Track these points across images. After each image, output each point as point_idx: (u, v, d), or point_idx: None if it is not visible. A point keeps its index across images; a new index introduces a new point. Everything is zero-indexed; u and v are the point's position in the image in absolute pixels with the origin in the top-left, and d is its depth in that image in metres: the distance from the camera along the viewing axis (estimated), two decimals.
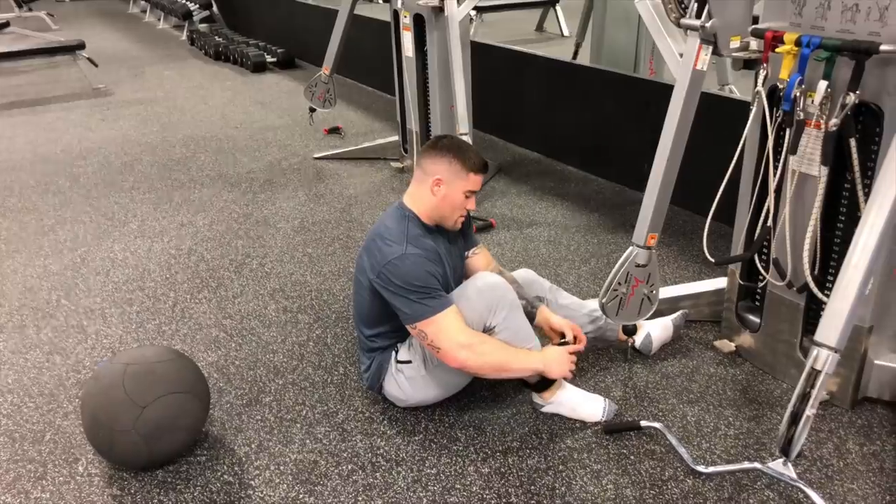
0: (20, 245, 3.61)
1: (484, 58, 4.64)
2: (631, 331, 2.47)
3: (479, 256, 2.43)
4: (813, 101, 1.96)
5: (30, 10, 10.71)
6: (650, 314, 2.40)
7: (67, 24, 11.03)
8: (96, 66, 6.97)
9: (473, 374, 2.13)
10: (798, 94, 1.97)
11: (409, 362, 2.18)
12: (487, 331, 2.09)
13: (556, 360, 2.13)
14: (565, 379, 2.21)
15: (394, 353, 2.22)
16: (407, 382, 2.20)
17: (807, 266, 2.07)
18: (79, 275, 3.29)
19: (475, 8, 3.79)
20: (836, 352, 1.73)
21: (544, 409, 2.24)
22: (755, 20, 2.16)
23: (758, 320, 2.44)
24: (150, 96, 6.63)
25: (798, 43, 1.93)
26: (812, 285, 2.09)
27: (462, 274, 2.36)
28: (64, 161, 4.88)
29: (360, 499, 1.96)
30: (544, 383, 2.20)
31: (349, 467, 2.07)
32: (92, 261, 3.42)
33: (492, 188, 4.16)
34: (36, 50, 7.21)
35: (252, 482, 2.03)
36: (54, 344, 2.74)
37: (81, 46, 6.91)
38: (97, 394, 2.00)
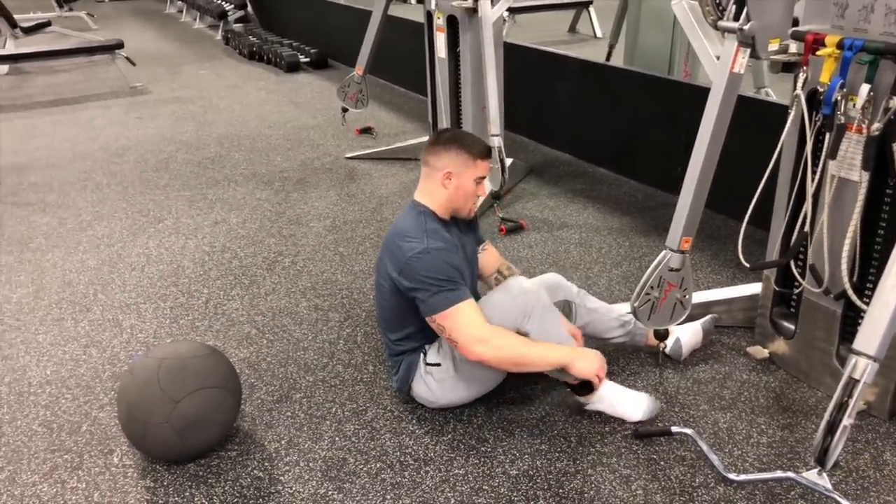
0: (59, 240, 3.69)
1: (516, 59, 4.63)
2: (662, 335, 2.45)
3: (487, 253, 2.45)
4: (855, 105, 1.93)
5: (70, 9, 10.93)
6: (682, 319, 2.38)
7: (106, 23, 11.25)
8: (134, 65, 7.09)
9: (493, 367, 2.10)
10: (839, 97, 1.94)
11: (438, 365, 2.18)
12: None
13: (586, 359, 2.08)
14: (591, 382, 2.16)
15: (422, 355, 2.22)
16: (436, 384, 2.20)
17: (845, 273, 2.03)
18: (115, 270, 3.35)
19: (508, 9, 3.78)
20: (875, 361, 1.70)
21: (587, 407, 2.23)
22: (795, 22, 2.13)
23: (792, 327, 2.40)
24: (185, 95, 6.73)
25: (840, 46, 1.90)
26: (850, 293, 2.05)
27: (477, 268, 2.36)
28: (101, 158, 4.97)
29: (388, 497, 1.97)
30: (584, 387, 2.18)
31: (378, 465, 2.08)
32: (128, 256, 3.48)
33: (522, 189, 4.15)
34: (76, 49, 7.36)
35: (282, 478, 2.05)
36: (91, 337, 2.80)
37: (120, 46, 7.04)
38: (132, 387, 2.03)
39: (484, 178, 2.21)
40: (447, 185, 2.16)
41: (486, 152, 2.20)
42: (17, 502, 1.99)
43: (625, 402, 2.21)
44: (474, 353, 2.02)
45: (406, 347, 2.24)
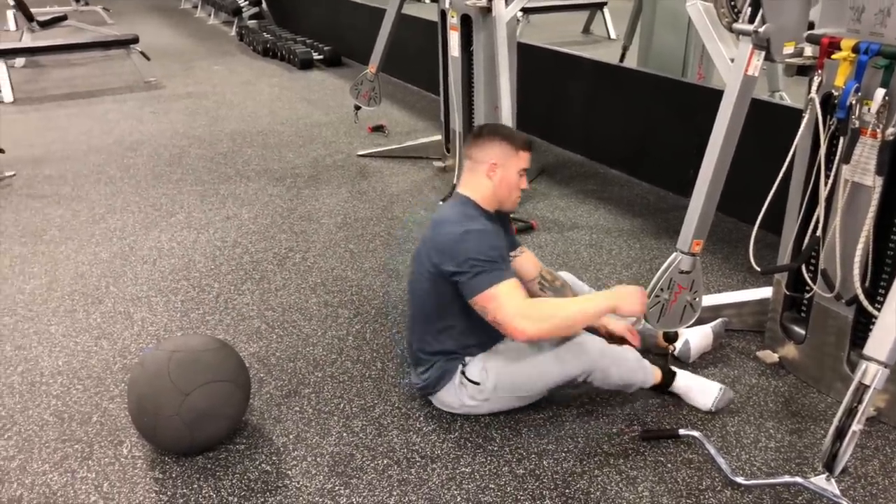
0: (72, 233, 3.72)
1: (529, 59, 4.62)
2: (672, 338, 2.44)
3: (524, 258, 2.45)
4: (869, 110, 1.92)
5: (87, 4, 11.03)
6: (692, 322, 2.37)
7: (122, 18, 11.32)
8: (149, 59, 7.14)
9: (545, 339, 2.11)
10: (854, 101, 1.93)
11: (477, 384, 2.16)
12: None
13: (629, 297, 2.09)
14: (636, 316, 2.24)
15: (461, 366, 2.19)
16: (469, 399, 2.19)
17: (857, 278, 2.02)
18: (127, 263, 3.37)
19: (522, 9, 3.78)
20: (885, 367, 1.69)
21: (671, 390, 2.32)
22: (810, 26, 2.12)
23: (803, 332, 2.39)
24: (199, 90, 6.77)
25: (856, 49, 1.89)
26: (862, 298, 2.04)
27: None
28: (115, 152, 5.01)
29: (394, 493, 1.97)
30: (661, 386, 2.28)
31: (385, 462, 2.09)
32: (140, 250, 3.51)
33: (534, 190, 4.15)
34: (91, 43, 7.43)
35: (289, 472, 2.06)
36: (102, 329, 2.82)
37: (135, 41, 7.09)
38: (143, 379, 2.05)
39: (526, 169, 2.24)
40: (492, 176, 2.18)
41: (527, 143, 2.25)
42: (28, 491, 2.02)
43: (697, 389, 2.27)
44: (519, 329, 1.97)
45: (444, 346, 2.19)
